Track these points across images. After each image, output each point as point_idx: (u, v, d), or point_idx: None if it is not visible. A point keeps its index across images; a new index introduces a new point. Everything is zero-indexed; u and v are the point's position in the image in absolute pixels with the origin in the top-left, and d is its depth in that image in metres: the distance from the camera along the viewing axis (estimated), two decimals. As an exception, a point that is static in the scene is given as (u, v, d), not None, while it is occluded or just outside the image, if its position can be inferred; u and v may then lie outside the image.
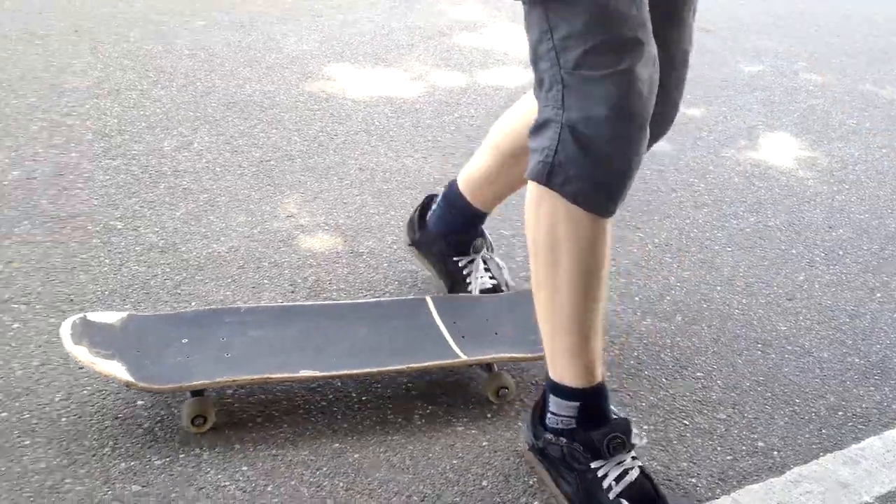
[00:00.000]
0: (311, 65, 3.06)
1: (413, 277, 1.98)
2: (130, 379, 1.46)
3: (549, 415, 1.43)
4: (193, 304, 1.82)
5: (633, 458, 1.41)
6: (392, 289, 1.94)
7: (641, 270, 2.10)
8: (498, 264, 1.92)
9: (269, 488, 1.40)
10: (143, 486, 1.38)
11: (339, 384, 1.63)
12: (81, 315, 1.57)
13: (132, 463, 1.41)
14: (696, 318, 1.96)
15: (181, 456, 1.44)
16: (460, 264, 1.89)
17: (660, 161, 2.61)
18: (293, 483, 1.42)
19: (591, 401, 1.40)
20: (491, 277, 1.88)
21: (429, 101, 2.94)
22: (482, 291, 1.86)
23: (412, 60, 3.26)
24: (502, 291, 1.87)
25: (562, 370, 1.40)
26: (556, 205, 1.31)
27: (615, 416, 1.43)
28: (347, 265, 2.00)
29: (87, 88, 2.69)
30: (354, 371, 1.57)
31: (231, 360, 1.55)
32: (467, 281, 1.88)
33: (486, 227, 2.04)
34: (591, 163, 1.28)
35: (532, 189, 1.34)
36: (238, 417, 1.54)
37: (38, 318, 1.72)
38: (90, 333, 1.53)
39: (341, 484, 1.42)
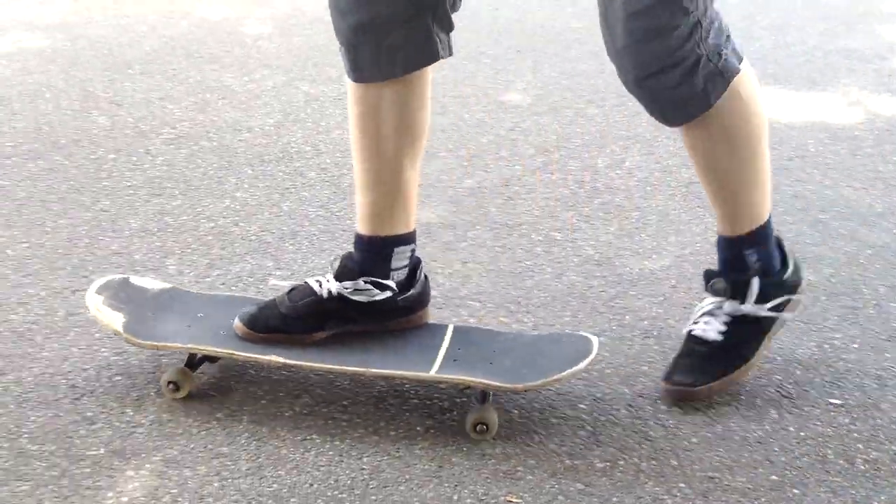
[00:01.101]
0: (742, 87, 3.03)
1: (854, 313, 1.89)
2: (119, 329, 1.58)
3: None
4: (627, 318, 1.89)
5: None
6: (831, 324, 1.87)
7: None
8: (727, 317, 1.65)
9: (705, 508, 1.43)
10: (586, 486, 1.46)
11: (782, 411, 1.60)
12: (125, 276, 1.71)
13: (576, 462, 1.51)
14: None
15: (620, 463, 1.51)
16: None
17: None
18: (730, 508, 1.43)
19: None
20: (721, 327, 1.64)
21: (868, 128, 2.78)
22: (693, 337, 1.67)
23: (850, 85, 3.10)
24: (705, 348, 1.65)
25: None
26: None
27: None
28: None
29: (529, 106, 2.89)
30: (316, 364, 1.57)
31: (224, 336, 1.60)
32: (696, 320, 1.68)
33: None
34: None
35: None
36: (673, 433, 1.57)
37: (490, 317, 1.88)
38: (117, 290, 1.66)
39: (780, 517, 1.41)
